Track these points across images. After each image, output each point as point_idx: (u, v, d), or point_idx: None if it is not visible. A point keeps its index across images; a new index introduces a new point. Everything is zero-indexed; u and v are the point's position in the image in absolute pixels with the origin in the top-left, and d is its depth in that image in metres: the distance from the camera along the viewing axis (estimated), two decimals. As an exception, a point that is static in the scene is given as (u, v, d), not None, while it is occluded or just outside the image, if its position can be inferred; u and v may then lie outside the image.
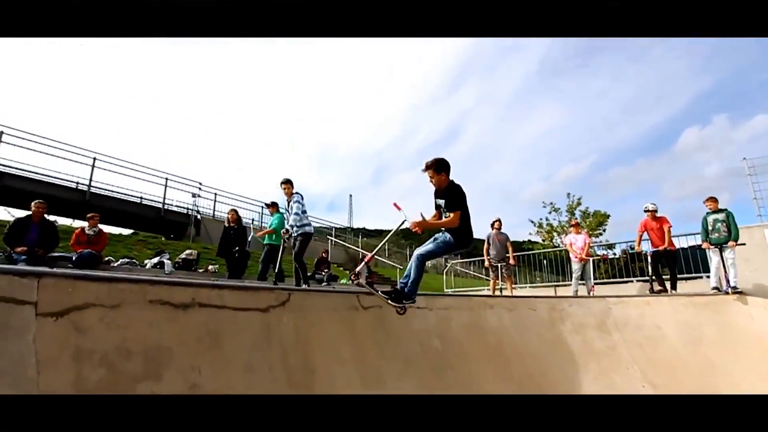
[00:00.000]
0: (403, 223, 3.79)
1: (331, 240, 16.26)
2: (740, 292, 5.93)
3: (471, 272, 14.77)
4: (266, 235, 7.05)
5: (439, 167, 3.64)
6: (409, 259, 4.05)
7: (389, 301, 3.81)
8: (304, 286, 5.66)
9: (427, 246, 3.81)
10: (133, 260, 7.57)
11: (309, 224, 6.17)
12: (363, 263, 4.01)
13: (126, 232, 15.26)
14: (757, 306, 5.84)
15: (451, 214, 3.59)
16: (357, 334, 3.99)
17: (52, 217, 13.95)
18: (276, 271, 6.38)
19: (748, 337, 5.66)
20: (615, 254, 13.41)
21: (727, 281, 6.05)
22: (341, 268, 14.13)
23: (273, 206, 7.64)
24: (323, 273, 9.81)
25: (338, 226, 23.32)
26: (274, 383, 2.96)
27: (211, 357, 2.73)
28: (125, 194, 13.76)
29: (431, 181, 3.71)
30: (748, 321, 5.79)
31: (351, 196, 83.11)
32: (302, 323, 3.57)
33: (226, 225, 7.66)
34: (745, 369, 5.37)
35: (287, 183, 6.10)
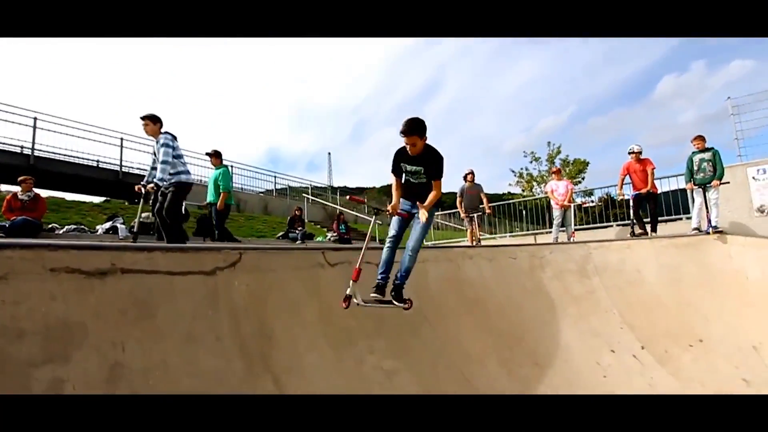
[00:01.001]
0: (377, 213, 3.33)
1: (307, 198, 15.69)
2: (721, 232, 5.83)
3: (452, 224, 14.63)
4: (210, 193, 6.31)
5: (424, 131, 3.08)
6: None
7: (401, 305, 3.28)
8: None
9: (415, 235, 3.26)
10: (82, 226, 6.92)
11: (186, 171, 4.87)
12: (351, 282, 3.08)
13: (86, 198, 14.28)
14: (736, 244, 5.77)
15: (434, 184, 3.20)
16: (322, 293, 3.64)
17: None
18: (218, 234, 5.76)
19: (726, 276, 5.63)
20: (593, 201, 13.36)
21: (708, 221, 5.93)
22: (318, 226, 13.73)
23: (215, 156, 6.60)
24: (297, 231, 9.38)
25: (316, 185, 22.61)
26: (222, 354, 2.59)
27: (140, 330, 2.32)
28: (79, 158, 12.70)
29: (410, 149, 3.10)
30: (726, 260, 5.74)
31: (330, 154, 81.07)
32: (257, 285, 3.17)
33: None
34: (720, 306, 5.37)
35: (149, 119, 4.66)
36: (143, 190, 4.85)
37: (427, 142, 3.17)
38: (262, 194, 17.29)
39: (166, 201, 4.68)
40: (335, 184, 21.22)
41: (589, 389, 4.35)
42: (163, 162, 4.56)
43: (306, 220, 12.43)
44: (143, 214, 7.34)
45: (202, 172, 14.92)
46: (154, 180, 4.61)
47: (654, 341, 5.08)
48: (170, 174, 4.65)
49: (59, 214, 8.48)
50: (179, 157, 4.80)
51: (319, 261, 3.78)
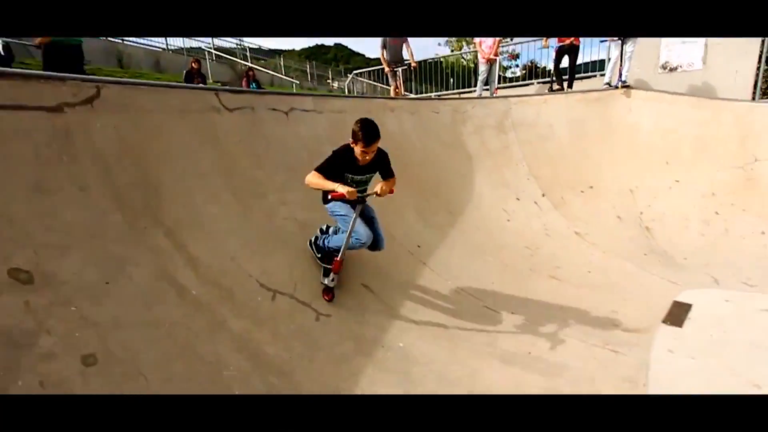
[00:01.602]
0: (360, 202, 2.76)
1: (211, 53, 13.30)
2: (628, 87, 6.09)
3: (380, 85, 13.76)
4: None
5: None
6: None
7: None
8: None
9: (379, 227, 2.97)
10: None
11: None
12: (332, 275, 2.79)
13: None
14: (638, 99, 6.14)
15: (391, 181, 2.90)
16: (222, 142, 3.15)
17: None
18: None
19: (623, 129, 6.11)
20: (518, 66, 13.32)
21: (620, 75, 6.11)
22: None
23: None
24: (198, 88, 8.04)
25: (223, 43, 19.04)
26: (91, 206, 2.15)
27: (-47, 177, 1.75)
28: None
29: (367, 157, 2.64)
30: (626, 113, 6.15)
31: None
32: (131, 129, 2.58)
33: None
34: (613, 157, 5.94)
35: None
36: None
37: None
38: (151, 49, 14.24)
39: None
40: (247, 44, 17.89)
41: (493, 231, 4.79)
42: None
43: (210, 80, 10.75)
44: None
45: None
46: None
47: (553, 189, 5.60)
48: None
49: None
50: None
51: (213, 104, 3.17)
